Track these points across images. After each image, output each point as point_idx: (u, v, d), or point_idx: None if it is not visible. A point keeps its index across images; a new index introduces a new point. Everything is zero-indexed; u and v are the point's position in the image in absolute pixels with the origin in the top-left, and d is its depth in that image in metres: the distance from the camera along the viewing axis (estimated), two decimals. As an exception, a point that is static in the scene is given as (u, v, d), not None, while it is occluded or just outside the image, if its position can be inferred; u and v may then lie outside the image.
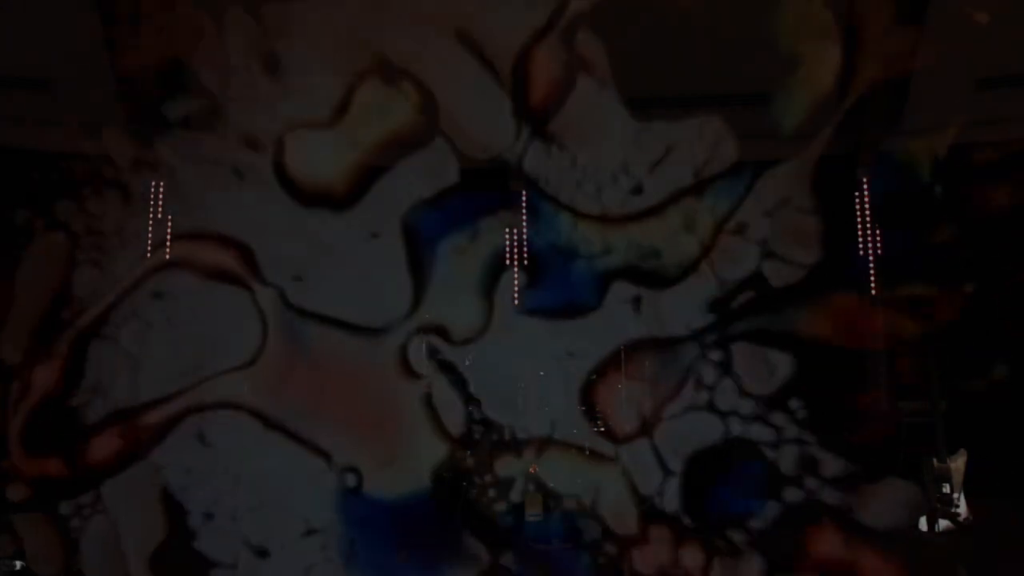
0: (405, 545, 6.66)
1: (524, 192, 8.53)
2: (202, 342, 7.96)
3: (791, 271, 7.73)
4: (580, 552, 6.02)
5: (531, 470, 6.12)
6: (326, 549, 7.27)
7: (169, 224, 8.33)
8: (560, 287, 7.90)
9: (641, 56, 7.80)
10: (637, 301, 7.68)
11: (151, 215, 8.35)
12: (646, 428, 7.44)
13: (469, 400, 7.30)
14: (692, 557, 7.15)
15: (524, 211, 8.50)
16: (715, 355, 7.57)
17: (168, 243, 8.31)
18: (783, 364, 7.56)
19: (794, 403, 7.46)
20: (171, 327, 8.14)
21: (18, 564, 6.57)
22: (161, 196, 8.40)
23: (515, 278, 8.48)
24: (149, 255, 8.22)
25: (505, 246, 8.36)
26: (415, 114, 7.85)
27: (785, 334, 7.64)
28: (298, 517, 7.46)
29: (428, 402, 7.68)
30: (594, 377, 7.43)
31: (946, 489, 6.36)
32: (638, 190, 7.88)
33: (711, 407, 7.57)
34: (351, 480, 7.34)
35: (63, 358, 7.90)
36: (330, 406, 7.87)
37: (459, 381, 7.46)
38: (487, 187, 8.55)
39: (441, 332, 7.90)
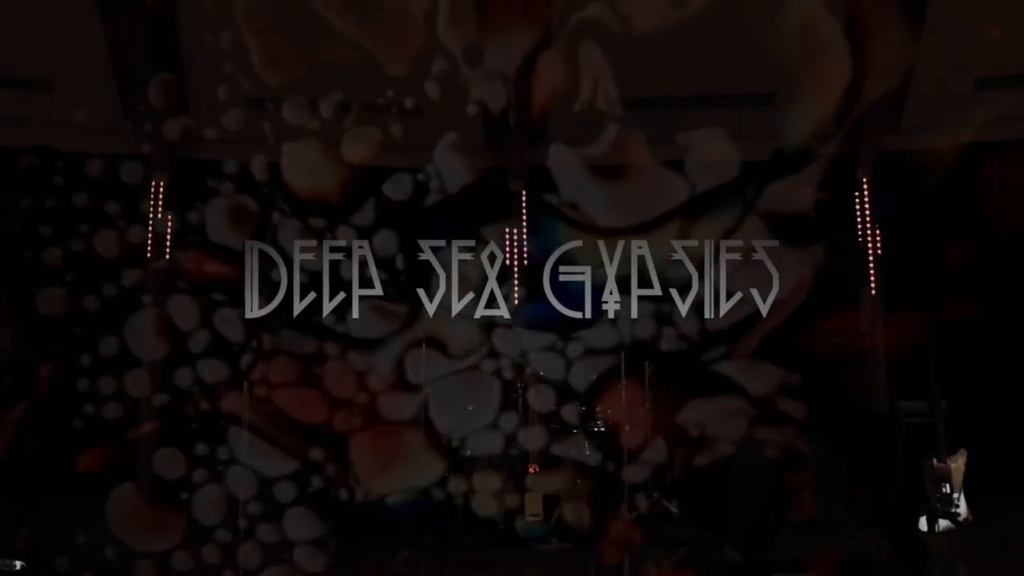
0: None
1: (524, 194, 8.57)
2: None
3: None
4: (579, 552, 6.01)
5: (531, 469, 6.12)
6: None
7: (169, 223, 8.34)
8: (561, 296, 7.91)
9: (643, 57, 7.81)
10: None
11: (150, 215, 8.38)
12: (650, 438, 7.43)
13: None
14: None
15: (524, 214, 8.54)
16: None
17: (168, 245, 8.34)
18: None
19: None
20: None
21: (18, 564, 6.54)
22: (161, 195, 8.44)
23: (515, 283, 8.49)
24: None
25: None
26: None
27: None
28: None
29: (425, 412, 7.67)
30: (595, 386, 7.40)
31: (946, 489, 6.35)
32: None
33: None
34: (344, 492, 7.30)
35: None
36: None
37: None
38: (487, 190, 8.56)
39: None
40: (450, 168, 8.03)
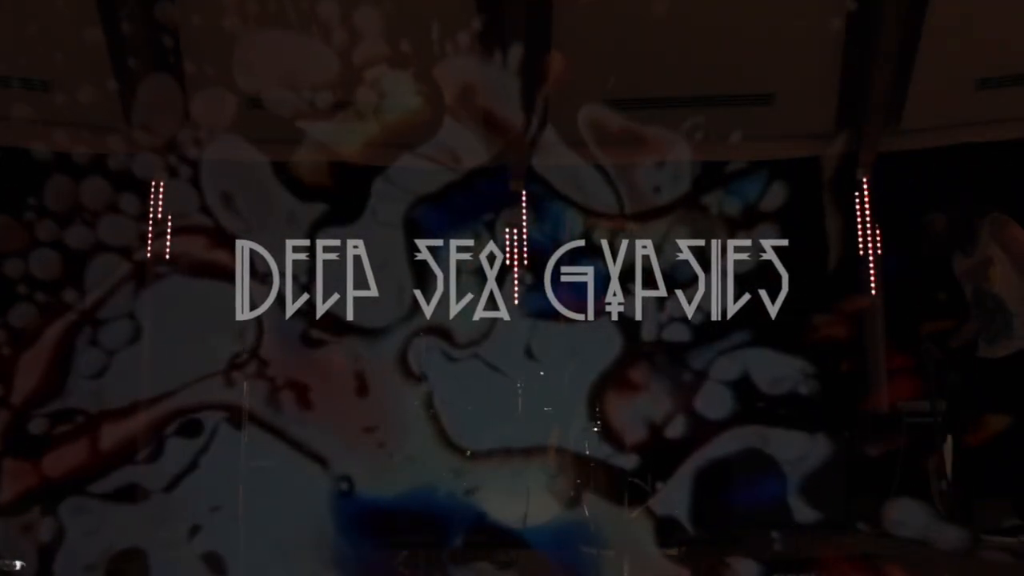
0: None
1: (524, 192, 8.55)
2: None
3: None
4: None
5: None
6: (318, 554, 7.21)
7: (169, 221, 8.31)
8: (564, 288, 7.85)
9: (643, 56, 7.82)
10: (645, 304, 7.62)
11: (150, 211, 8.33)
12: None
13: None
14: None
15: (524, 210, 8.53)
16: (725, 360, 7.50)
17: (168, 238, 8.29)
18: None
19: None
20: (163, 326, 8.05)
21: (18, 564, 6.52)
22: (161, 193, 8.40)
23: (515, 279, 8.48)
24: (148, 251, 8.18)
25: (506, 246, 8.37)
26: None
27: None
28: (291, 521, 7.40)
29: (429, 405, 7.64)
30: (599, 382, 7.37)
31: (945, 487, 6.34)
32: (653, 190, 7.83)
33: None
34: (344, 485, 7.24)
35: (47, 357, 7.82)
36: (326, 408, 7.82)
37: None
38: (487, 186, 8.55)
39: (443, 335, 7.88)
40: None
